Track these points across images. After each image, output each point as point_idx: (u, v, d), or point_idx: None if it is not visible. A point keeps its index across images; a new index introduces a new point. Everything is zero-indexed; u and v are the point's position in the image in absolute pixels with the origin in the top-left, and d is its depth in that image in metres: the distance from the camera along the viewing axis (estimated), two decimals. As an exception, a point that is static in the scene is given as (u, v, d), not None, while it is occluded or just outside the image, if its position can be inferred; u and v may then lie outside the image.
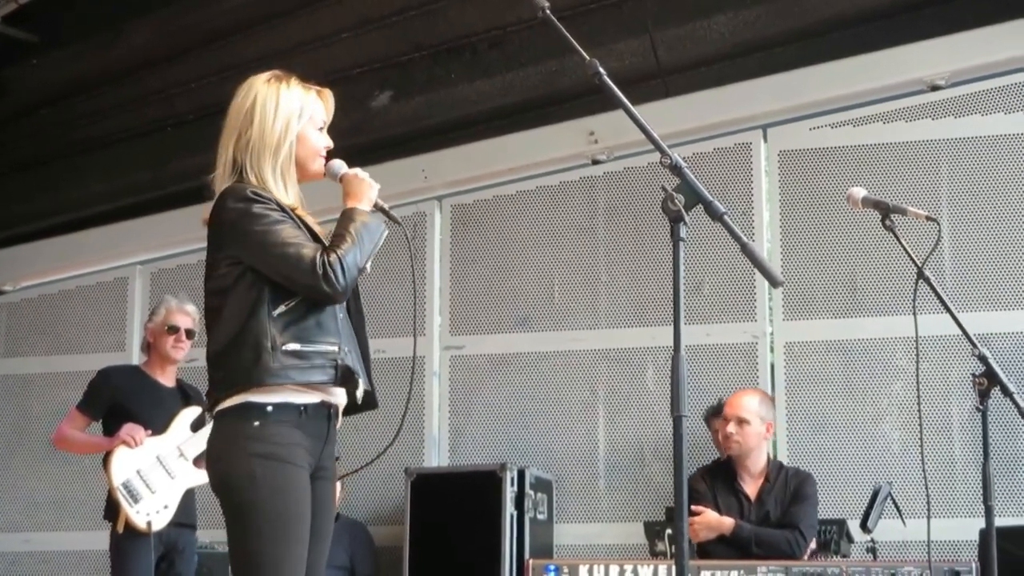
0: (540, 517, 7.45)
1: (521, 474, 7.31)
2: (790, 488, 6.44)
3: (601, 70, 3.11)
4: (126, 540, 6.20)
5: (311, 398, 3.71)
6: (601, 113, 7.80)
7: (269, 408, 3.66)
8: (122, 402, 6.47)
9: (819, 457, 7.19)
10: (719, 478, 6.54)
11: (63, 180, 9.37)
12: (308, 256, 3.64)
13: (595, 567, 5.61)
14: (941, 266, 7.22)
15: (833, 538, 6.64)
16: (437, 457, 8.13)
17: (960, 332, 4.55)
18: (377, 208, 3.92)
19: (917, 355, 4.72)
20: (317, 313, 3.75)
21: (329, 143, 3.96)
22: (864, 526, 6.00)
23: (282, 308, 3.70)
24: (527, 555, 7.05)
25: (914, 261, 4.51)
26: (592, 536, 7.74)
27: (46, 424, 7.78)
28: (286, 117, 3.82)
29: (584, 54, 3.15)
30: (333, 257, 3.65)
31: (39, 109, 9.30)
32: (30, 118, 9.35)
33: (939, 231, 4.57)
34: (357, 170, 3.97)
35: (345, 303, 3.85)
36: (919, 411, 5.11)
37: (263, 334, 3.66)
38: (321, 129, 3.95)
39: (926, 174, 7.47)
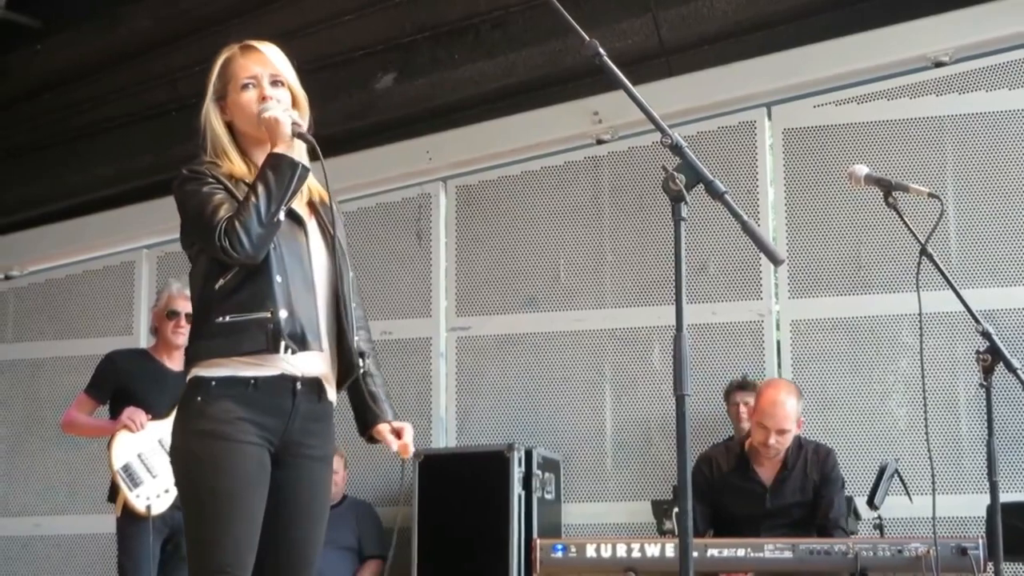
0: (548, 497, 7.47)
1: (528, 454, 7.33)
2: (812, 473, 6.24)
3: (601, 51, 3.11)
4: (127, 523, 6.24)
5: (264, 371, 3.56)
6: (605, 93, 7.81)
7: (213, 383, 3.57)
8: (128, 386, 6.49)
9: (826, 435, 7.18)
10: (732, 464, 6.35)
11: (67, 165, 9.37)
12: (213, 224, 3.50)
13: (603, 546, 5.60)
14: (946, 243, 7.22)
15: (841, 515, 6.64)
16: (445, 438, 8.15)
17: (964, 309, 4.55)
18: (295, 135, 3.59)
19: (921, 332, 4.71)
20: (253, 282, 3.58)
21: (261, 95, 3.67)
22: (871, 503, 6.02)
23: (221, 281, 3.60)
24: (535, 534, 7.06)
25: (917, 238, 4.51)
26: (599, 515, 7.77)
27: (56, 408, 7.80)
28: (206, 101, 3.75)
29: (584, 35, 3.15)
30: (231, 222, 3.48)
31: (42, 94, 9.30)
32: (33, 103, 9.35)
33: (942, 208, 4.56)
34: (270, 106, 3.64)
35: (308, 262, 3.66)
36: (924, 388, 5.12)
37: (207, 309, 3.60)
38: (247, 86, 3.69)
39: (931, 151, 7.48)
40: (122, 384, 6.50)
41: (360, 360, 3.71)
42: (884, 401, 7.40)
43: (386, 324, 7.94)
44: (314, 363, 3.63)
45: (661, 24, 7.80)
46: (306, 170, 3.59)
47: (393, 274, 8.33)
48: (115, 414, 6.46)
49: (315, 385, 3.65)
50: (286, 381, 3.58)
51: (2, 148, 9.59)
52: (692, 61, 7.94)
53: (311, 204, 3.78)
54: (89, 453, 8.12)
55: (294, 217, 3.67)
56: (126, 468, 6.23)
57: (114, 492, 6.34)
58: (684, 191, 2.99)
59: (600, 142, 8.15)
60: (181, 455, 3.59)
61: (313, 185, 3.82)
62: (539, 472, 7.36)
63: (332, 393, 3.72)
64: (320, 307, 3.65)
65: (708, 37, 7.89)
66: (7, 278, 9.51)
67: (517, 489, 7.19)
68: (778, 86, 7.79)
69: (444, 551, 7.32)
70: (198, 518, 3.54)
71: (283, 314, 3.54)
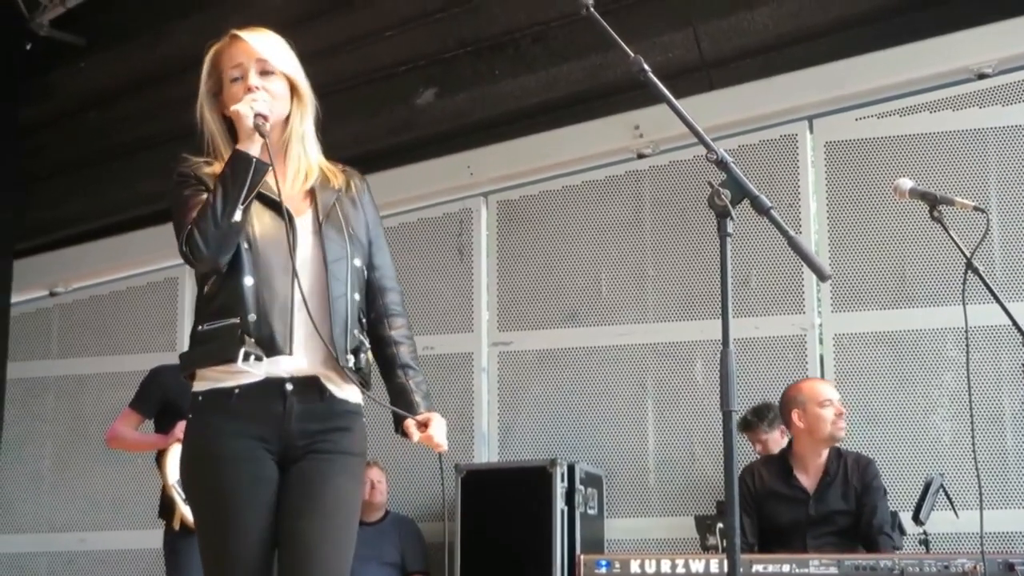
0: (590, 512, 7.46)
1: (571, 469, 7.32)
2: (853, 481, 6.19)
3: (646, 67, 3.11)
4: (181, 538, 6.24)
5: (246, 378, 3.42)
6: (646, 107, 7.80)
7: (200, 398, 3.48)
8: (173, 400, 6.52)
9: (870, 449, 7.13)
10: (773, 474, 6.32)
11: (110, 182, 9.44)
12: (181, 230, 3.42)
13: (646, 562, 5.58)
14: (991, 256, 7.17)
15: (886, 530, 6.60)
16: (487, 453, 8.15)
17: (1010, 322, 4.52)
18: (256, 129, 3.39)
19: (967, 346, 4.70)
20: (226, 286, 3.44)
21: (246, 87, 3.50)
22: (916, 518, 5.98)
23: (206, 288, 3.50)
24: (578, 550, 7.06)
25: (963, 252, 4.48)
26: (643, 531, 7.74)
27: (101, 424, 7.84)
28: (199, 97, 3.64)
29: (628, 51, 3.15)
30: (190, 229, 3.37)
31: (86, 111, 9.38)
32: (77, 120, 9.43)
33: (987, 221, 4.53)
34: (245, 99, 3.45)
35: (290, 257, 3.43)
36: (970, 402, 5.09)
37: (195, 317, 3.53)
38: (236, 79, 3.56)
39: (974, 163, 7.43)
40: (167, 399, 6.53)
41: (356, 354, 3.53)
42: (929, 415, 7.35)
43: (428, 339, 7.94)
44: (301, 362, 3.46)
45: (702, 37, 7.79)
46: (264, 165, 3.40)
47: (435, 289, 8.34)
48: (160, 429, 6.49)
49: (311, 384, 3.49)
50: (272, 385, 3.45)
51: (47, 165, 9.67)
52: (733, 74, 7.92)
53: (311, 192, 3.61)
54: (134, 469, 8.16)
55: (277, 210, 3.48)
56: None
57: (165, 507, 6.36)
58: (730, 207, 2.98)
59: (641, 156, 8.14)
60: (182, 475, 3.63)
61: (324, 167, 3.67)
62: (582, 487, 7.35)
63: (343, 389, 3.54)
64: (306, 303, 3.41)
65: (749, 50, 7.88)
66: (52, 295, 9.59)
67: (560, 504, 7.19)
68: (820, 99, 7.76)
69: (487, 567, 7.31)
70: (200, 538, 3.47)
71: (252, 318, 3.41)
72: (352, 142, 7.83)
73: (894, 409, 7.38)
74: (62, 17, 8.97)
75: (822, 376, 7.47)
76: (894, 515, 6.53)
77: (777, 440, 7.05)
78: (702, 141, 3.05)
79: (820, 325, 7.61)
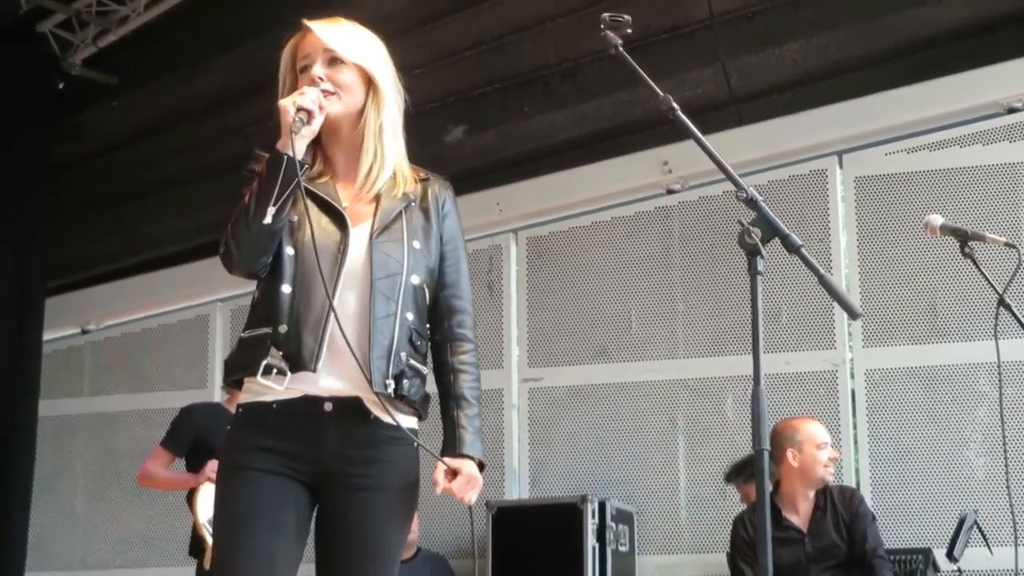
0: (622, 549, 7.43)
1: (602, 506, 7.31)
2: (841, 511, 6.15)
3: (675, 105, 3.11)
4: (211, 577, 6.23)
5: (287, 393, 3.18)
6: (675, 143, 7.79)
7: (240, 410, 3.28)
8: (204, 439, 6.52)
9: (903, 485, 7.12)
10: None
11: (142, 219, 9.51)
12: (223, 231, 3.22)
13: (678, 599, 5.57)
14: (1022, 290, 7.12)
15: (919, 568, 6.55)
16: (518, 490, 8.14)
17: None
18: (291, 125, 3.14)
19: (1000, 381, 4.67)
20: (266, 293, 3.24)
21: (308, 78, 3.28)
22: (950, 555, 5.93)
23: (255, 294, 3.31)
24: (609, 587, 7.04)
25: (995, 288, 4.46)
26: (675, 568, 7.71)
27: (132, 462, 7.87)
28: (280, 94, 3.35)
29: (657, 89, 3.15)
30: (226, 231, 3.20)
31: (118, 149, 9.46)
32: (108, 158, 9.51)
33: (1019, 256, 4.51)
34: (283, 100, 3.23)
35: (338, 267, 3.22)
36: (1003, 437, 5.08)
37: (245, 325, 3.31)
38: (304, 69, 3.32)
39: (1004, 198, 7.39)
40: (198, 437, 6.54)
41: (399, 380, 3.22)
42: (962, 451, 7.30)
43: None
44: (332, 381, 3.20)
45: (731, 73, 7.81)
46: (296, 163, 3.12)
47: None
48: (191, 467, 6.50)
49: (354, 406, 3.21)
50: (309, 402, 3.20)
51: (79, 203, 9.75)
52: (762, 110, 7.93)
53: (378, 197, 3.34)
54: (165, 506, 8.18)
55: (333, 215, 3.28)
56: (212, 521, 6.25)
57: (196, 545, 6.36)
58: (760, 245, 2.98)
59: (670, 192, 8.14)
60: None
61: (399, 171, 3.40)
62: (613, 524, 7.33)
63: (390, 414, 3.20)
64: (349, 317, 3.18)
65: (778, 86, 7.89)
66: (84, 332, 9.65)
67: (591, 541, 7.16)
68: (849, 134, 7.75)
69: (518, 604, 7.30)
70: (213, 548, 3.27)
71: (283, 329, 3.18)
72: (382, 179, 7.85)
73: (927, 445, 7.33)
74: (94, 56, 9.08)
75: (853, 412, 7.44)
76: (927, 552, 6.50)
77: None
78: (731, 179, 3.05)
79: (851, 360, 7.58)
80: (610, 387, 8.08)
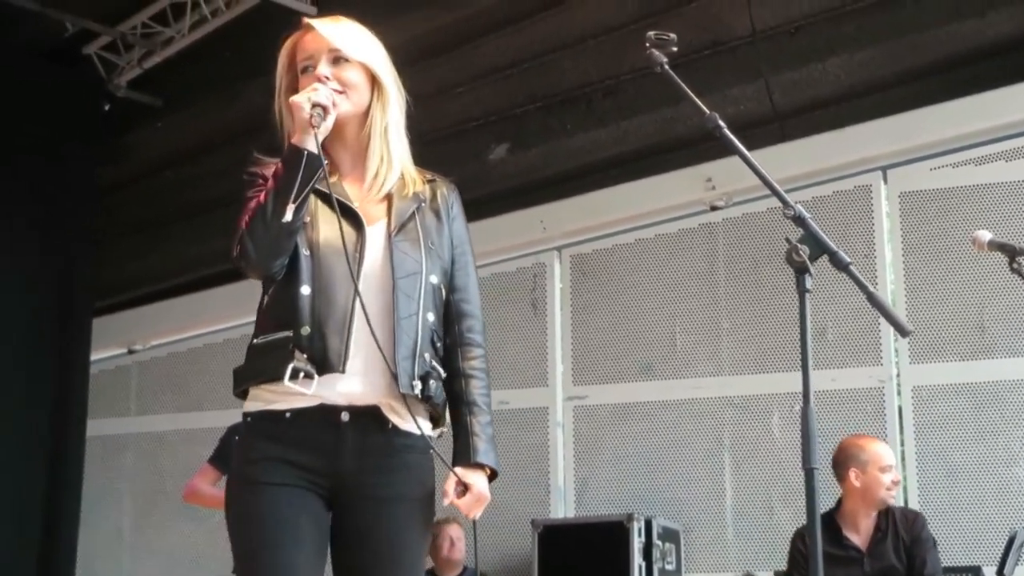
0: (668, 567, 7.40)
1: (648, 524, 7.28)
2: (903, 534, 6.12)
3: (721, 123, 3.11)
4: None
5: (299, 401, 3.07)
6: (718, 159, 7.79)
7: (248, 419, 3.15)
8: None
9: (951, 503, 7.06)
10: (824, 535, 6.25)
11: (187, 240, 9.56)
12: (235, 233, 3.11)
13: (725, 617, 5.54)
14: (1071, 305, 7.08)
15: (969, 586, 6.51)
16: (563, 508, 8.12)
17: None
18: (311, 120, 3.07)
19: (1050, 397, 4.63)
20: (283, 296, 3.14)
21: (314, 77, 3.20)
22: (1001, 573, 5.88)
23: (265, 299, 3.21)
24: (656, 605, 7.02)
25: (1044, 303, 4.43)
26: (722, 586, 7.69)
27: (179, 481, 7.88)
28: (277, 95, 3.34)
29: (703, 108, 3.15)
30: (241, 231, 3.09)
31: (163, 170, 9.53)
32: (154, 179, 9.58)
33: (1069, 272, 4.48)
34: (296, 96, 3.16)
35: (356, 267, 3.11)
36: (1053, 454, 5.02)
37: (253, 333, 3.22)
38: (307, 69, 3.24)
39: (1052, 212, 7.35)
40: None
41: (425, 381, 3.14)
42: (1011, 468, 7.24)
43: (503, 394, 7.94)
44: (359, 385, 3.10)
45: (773, 89, 7.78)
46: (317, 159, 3.05)
47: (509, 344, 8.34)
48: (238, 487, 6.52)
49: (371, 414, 3.11)
50: (326, 412, 3.09)
51: (124, 224, 9.82)
52: (806, 125, 7.89)
53: (389, 198, 3.27)
54: (212, 525, 8.20)
55: (346, 214, 3.18)
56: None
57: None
58: (808, 263, 2.97)
59: (714, 208, 8.12)
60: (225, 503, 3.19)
61: (407, 172, 3.33)
62: (659, 542, 7.30)
63: (409, 421, 3.12)
64: (371, 318, 3.07)
65: (821, 101, 7.85)
66: (130, 352, 9.71)
67: (637, 560, 7.14)
68: (894, 149, 7.70)
69: (565, 622, 7.29)
70: (236, 566, 3.15)
71: (305, 331, 3.08)
72: (425, 198, 7.87)
73: (975, 462, 7.27)
74: (139, 78, 9.15)
75: (901, 429, 7.39)
76: (977, 570, 6.45)
77: None
78: (779, 197, 3.05)
79: (898, 377, 7.53)
80: (655, 404, 8.05)
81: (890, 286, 7.58)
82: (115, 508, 9.39)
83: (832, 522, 6.20)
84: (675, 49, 3.20)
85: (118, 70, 9.16)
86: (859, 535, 6.13)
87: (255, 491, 3.08)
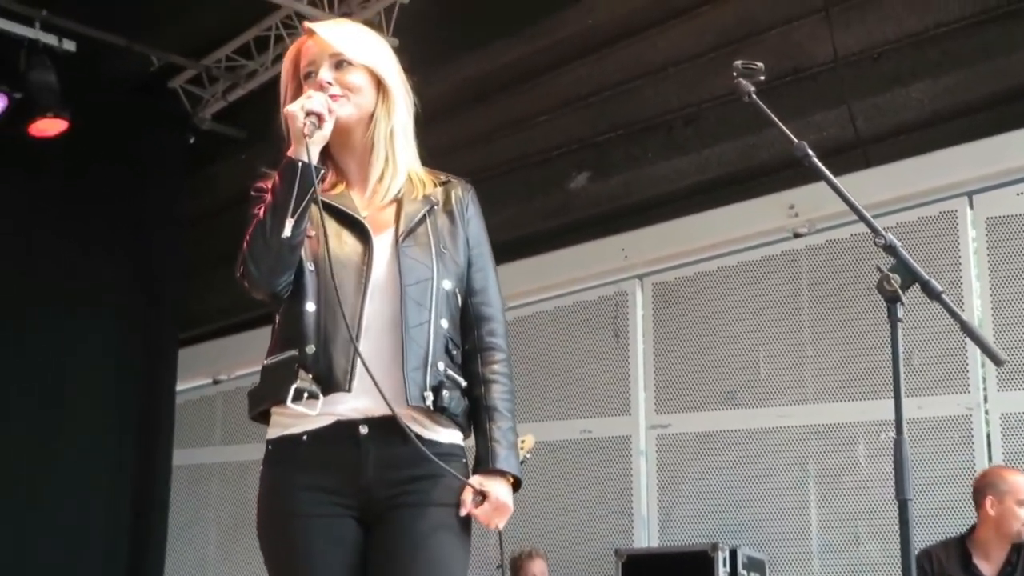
0: (754, 597, 7.36)
1: (733, 554, 7.23)
2: None
3: (810, 152, 3.10)
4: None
5: (314, 422, 2.97)
6: (801, 186, 7.74)
7: (270, 447, 3.07)
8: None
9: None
10: (952, 559, 6.14)
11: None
12: (239, 253, 3.05)
13: (813, 649, 5.49)
14: None
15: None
16: (647, 537, 8.08)
17: None
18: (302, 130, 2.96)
19: None
20: (290, 314, 3.05)
21: (316, 83, 3.10)
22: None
23: (277, 319, 3.10)
24: (742, 636, 6.97)
25: None
26: (808, 616, 7.62)
27: (263, 510, 7.96)
28: (282, 103, 3.19)
29: (791, 136, 3.14)
30: (242, 251, 3.02)
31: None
32: (238, 211, 9.64)
33: None
34: (290, 105, 3.04)
35: (364, 279, 3.02)
36: None
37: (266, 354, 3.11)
38: (309, 75, 3.14)
39: None
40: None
41: (438, 392, 3.01)
42: (1104, 495, 7.12)
43: (585, 423, 7.95)
44: (368, 400, 2.96)
45: (856, 115, 7.74)
46: (311, 170, 2.93)
47: (591, 373, 8.34)
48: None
49: (391, 425, 2.94)
50: (343, 428, 2.98)
51: (209, 256, 9.89)
52: (890, 151, 7.83)
53: (398, 204, 3.16)
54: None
55: (351, 225, 3.10)
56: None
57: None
58: (900, 292, 2.95)
59: (797, 235, 8.07)
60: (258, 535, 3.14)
61: (415, 175, 3.22)
62: (744, 572, 7.25)
63: (432, 430, 3.04)
64: (381, 329, 3.00)
65: (905, 126, 7.79)
66: (215, 382, 9.80)
67: (723, 589, 7.11)
68: (979, 174, 7.62)
69: (650, 653, 7.26)
70: None
71: (310, 349, 2.98)
72: (507, 227, 7.89)
73: (1067, 489, 7.16)
74: (223, 111, 9.24)
75: (989, 457, 7.29)
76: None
77: None
78: (869, 225, 3.03)
79: (986, 404, 7.43)
80: (739, 433, 8.01)
81: (977, 312, 7.49)
82: (200, 537, 9.47)
83: (963, 547, 6.17)
84: (762, 78, 3.20)
85: (203, 103, 9.26)
86: (989, 564, 6.06)
87: (285, 523, 3.02)
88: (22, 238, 8.66)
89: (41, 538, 8.32)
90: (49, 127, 8.06)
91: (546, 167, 8.60)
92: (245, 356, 9.71)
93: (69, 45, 8.16)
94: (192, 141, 9.43)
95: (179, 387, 9.52)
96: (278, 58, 8.65)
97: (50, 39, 8.06)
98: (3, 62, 7.95)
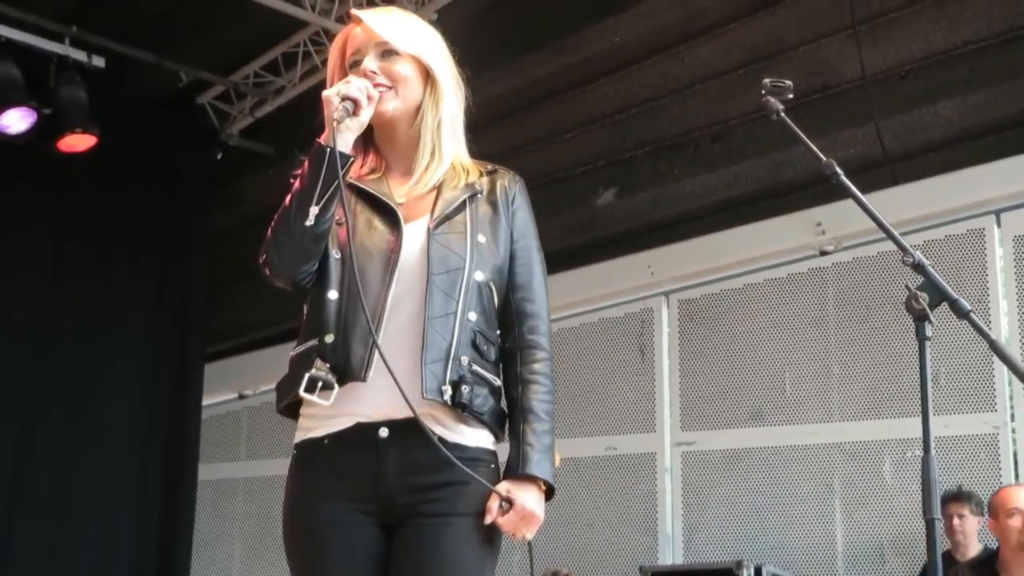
0: (779, 615, 7.34)
1: (758, 571, 7.21)
2: None
3: (839, 170, 3.10)
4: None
5: (334, 424, 2.88)
6: (828, 203, 7.72)
7: (295, 451, 2.97)
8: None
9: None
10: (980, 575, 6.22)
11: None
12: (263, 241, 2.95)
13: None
14: None
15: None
16: (672, 554, 8.06)
17: None
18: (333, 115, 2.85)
19: None
20: (314, 305, 2.94)
21: (361, 72, 2.98)
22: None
23: (304, 308, 3.00)
24: (767, 654, 6.95)
25: None
26: (833, 634, 7.59)
27: (288, 525, 7.97)
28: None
29: (820, 154, 3.13)
30: (266, 238, 2.94)
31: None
32: (265, 226, 9.67)
33: None
34: (327, 90, 2.94)
35: (391, 269, 2.89)
36: None
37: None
38: (355, 64, 3.02)
39: None
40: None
41: (458, 387, 2.85)
42: None
43: (610, 440, 7.94)
44: (385, 397, 2.81)
45: (884, 133, 7.72)
46: (339, 157, 2.82)
47: (617, 389, 8.33)
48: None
49: (412, 427, 2.79)
50: (363, 431, 2.86)
51: (236, 271, 9.94)
52: (917, 168, 7.80)
53: (437, 192, 3.02)
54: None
55: (383, 212, 2.98)
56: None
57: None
58: (928, 310, 2.94)
59: (824, 253, 8.05)
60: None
61: (459, 164, 3.09)
62: (769, 590, 7.24)
63: (457, 432, 2.89)
64: (405, 321, 2.87)
65: (933, 144, 7.77)
66: (241, 397, 9.82)
67: (748, 606, 7.09)
68: (1007, 192, 7.58)
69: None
70: None
71: (329, 339, 2.86)
72: (533, 243, 7.91)
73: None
74: (251, 127, 9.30)
75: (1016, 475, 7.25)
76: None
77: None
78: (897, 243, 3.02)
79: (1013, 423, 7.40)
80: (764, 451, 7.99)
81: (1004, 331, 7.45)
82: (225, 551, 9.49)
83: (991, 566, 6.16)
84: (791, 96, 3.20)
85: (231, 119, 9.32)
86: None
87: (307, 533, 2.92)
88: (50, 252, 8.72)
89: (69, 551, 8.36)
90: (78, 143, 8.12)
91: (573, 183, 8.60)
92: (271, 371, 9.65)
93: (98, 61, 8.22)
94: (220, 157, 9.50)
95: (205, 402, 9.55)
96: (306, 74, 8.71)
97: (80, 55, 8.13)
98: (33, 78, 8.01)
